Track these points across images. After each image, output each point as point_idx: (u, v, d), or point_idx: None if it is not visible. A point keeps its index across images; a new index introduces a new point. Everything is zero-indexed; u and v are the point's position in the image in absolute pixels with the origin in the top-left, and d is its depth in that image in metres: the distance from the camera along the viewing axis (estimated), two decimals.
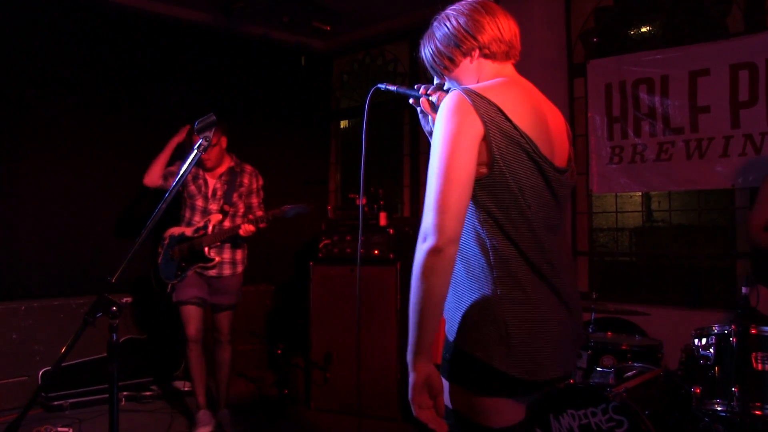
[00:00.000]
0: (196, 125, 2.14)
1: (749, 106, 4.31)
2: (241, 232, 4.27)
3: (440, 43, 2.03)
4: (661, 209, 5.03)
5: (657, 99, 4.72)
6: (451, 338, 1.81)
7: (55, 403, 4.82)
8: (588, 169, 5.06)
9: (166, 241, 4.53)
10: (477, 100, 1.77)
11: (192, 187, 4.48)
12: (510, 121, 1.77)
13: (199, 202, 4.48)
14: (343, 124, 7.27)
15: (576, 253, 5.26)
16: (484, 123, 1.75)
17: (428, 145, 1.91)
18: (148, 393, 5.22)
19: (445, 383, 1.79)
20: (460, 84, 2.01)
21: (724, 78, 4.42)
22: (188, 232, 4.46)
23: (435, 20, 2.07)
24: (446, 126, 1.76)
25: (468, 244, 1.81)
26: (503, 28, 1.99)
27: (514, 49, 2.02)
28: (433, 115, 2.06)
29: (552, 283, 1.81)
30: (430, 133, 2.07)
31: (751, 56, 4.30)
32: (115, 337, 1.99)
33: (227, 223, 4.43)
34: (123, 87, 5.59)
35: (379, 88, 2.17)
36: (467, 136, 1.74)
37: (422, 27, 2.14)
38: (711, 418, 3.02)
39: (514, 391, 1.77)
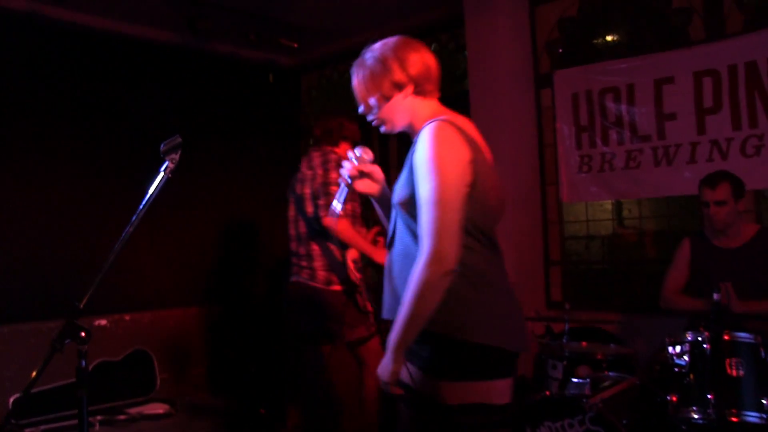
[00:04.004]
0: (162, 147, 2.09)
1: (714, 113, 4.35)
2: None
3: (375, 74, 2.07)
4: (631, 216, 5.06)
5: (624, 107, 4.75)
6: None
7: (27, 430, 4.70)
8: (558, 179, 5.07)
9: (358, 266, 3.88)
10: (456, 128, 1.95)
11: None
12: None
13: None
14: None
15: (549, 263, 5.26)
16: (471, 148, 1.94)
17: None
18: (122, 417, 5.11)
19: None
20: (391, 121, 2.12)
21: (688, 85, 4.45)
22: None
23: (367, 52, 2.14)
24: (440, 153, 1.89)
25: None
26: (431, 65, 2.09)
27: (438, 84, 2.14)
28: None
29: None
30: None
31: (713, 63, 4.34)
32: (84, 363, 1.94)
33: None
34: (92, 107, 5.52)
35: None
36: (460, 162, 1.91)
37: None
38: (688, 425, 3.02)
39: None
